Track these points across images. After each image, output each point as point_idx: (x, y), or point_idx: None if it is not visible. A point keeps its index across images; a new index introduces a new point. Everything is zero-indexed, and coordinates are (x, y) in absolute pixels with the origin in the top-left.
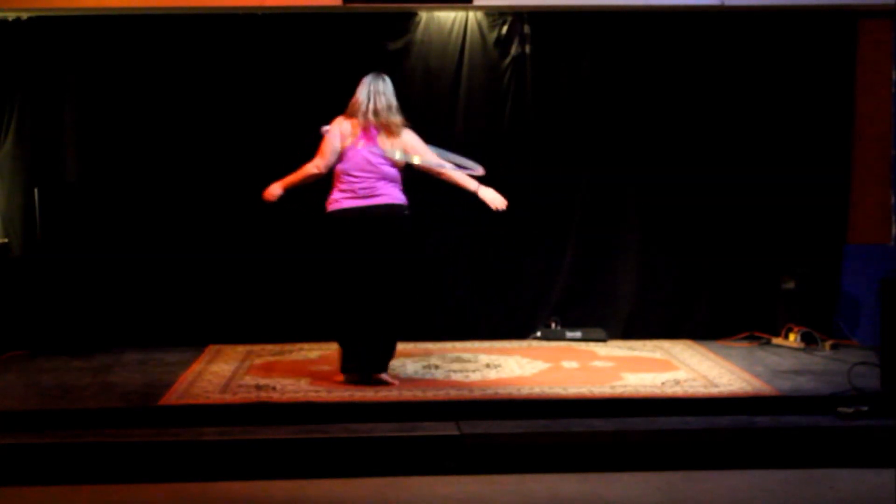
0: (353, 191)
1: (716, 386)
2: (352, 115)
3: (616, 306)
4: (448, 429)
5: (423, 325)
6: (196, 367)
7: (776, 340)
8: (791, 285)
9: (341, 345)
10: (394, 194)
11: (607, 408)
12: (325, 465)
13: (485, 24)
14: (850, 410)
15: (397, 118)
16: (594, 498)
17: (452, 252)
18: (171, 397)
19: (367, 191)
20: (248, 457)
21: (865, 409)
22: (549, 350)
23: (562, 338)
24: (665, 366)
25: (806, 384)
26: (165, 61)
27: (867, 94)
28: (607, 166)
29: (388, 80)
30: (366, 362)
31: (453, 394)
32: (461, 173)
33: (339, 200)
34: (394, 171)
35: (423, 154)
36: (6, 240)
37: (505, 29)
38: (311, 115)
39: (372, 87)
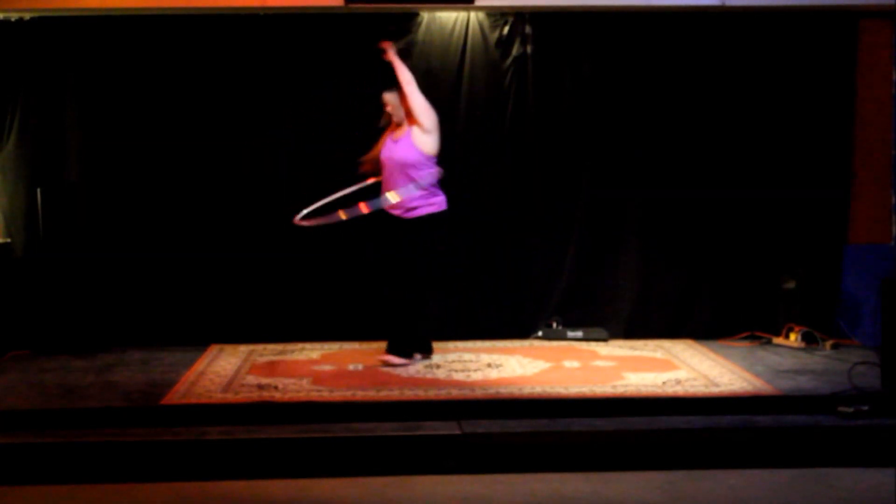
0: None
1: (717, 385)
2: None
3: (617, 306)
4: (450, 428)
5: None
6: (198, 366)
7: (777, 340)
8: (791, 285)
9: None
10: None
11: (608, 407)
12: (327, 465)
13: (486, 24)
14: (850, 410)
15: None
16: (596, 497)
17: (454, 252)
18: (174, 397)
19: None
20: (251, 456)
21: (866, 408)
22: (550, 349)
23: (563, 337)
24: (666, 365)
25: (806, 384)
26: (167, 61)
27: (867, 94)
28: (608, 166)
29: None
30: None
31: (455, 393)
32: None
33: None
34: None
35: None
36: (8, 240)
37: (506, 29)
38: (312, 115)
39: None
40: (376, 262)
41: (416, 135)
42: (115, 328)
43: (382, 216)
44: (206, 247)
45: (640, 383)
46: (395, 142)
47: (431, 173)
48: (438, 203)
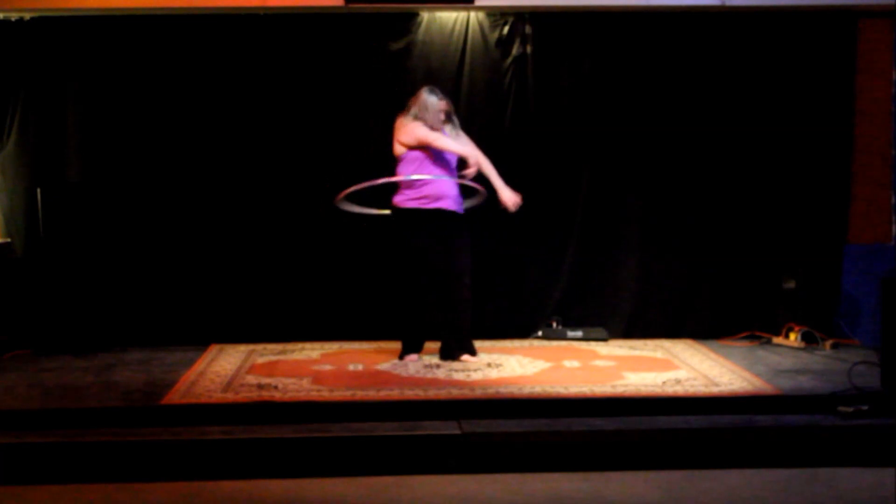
0: None
1: (717, 385)
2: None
3: (617, 306)
4: (449, 428)
5: None
6: (198, 366)
7: (777, 340)
8: (791, 285)
9: None
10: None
11: (608, 407)
12: (326, 465)
13: (486, 24)
14: (850, 409)
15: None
16: (595, 497)
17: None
18: (174, 396)
19: None
20: (250, 456)
21: (866, 408)
22: (550, 349)
23: (563, 337)
24: (666, 365)
25: (806, 383)
26: (168, 61)
27: (867, 94)
28: (608, 166)
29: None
30: None
31: (455, 393)
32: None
33: None
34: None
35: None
36: (9, 239)
37: (506, 29)
38: (312, 115)
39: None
40: (439, 260)
41: None
42: (115, 328)
43: (429, 215)
44: (206, 247)
45: (639, 383)
46: None
47: None
48: None
